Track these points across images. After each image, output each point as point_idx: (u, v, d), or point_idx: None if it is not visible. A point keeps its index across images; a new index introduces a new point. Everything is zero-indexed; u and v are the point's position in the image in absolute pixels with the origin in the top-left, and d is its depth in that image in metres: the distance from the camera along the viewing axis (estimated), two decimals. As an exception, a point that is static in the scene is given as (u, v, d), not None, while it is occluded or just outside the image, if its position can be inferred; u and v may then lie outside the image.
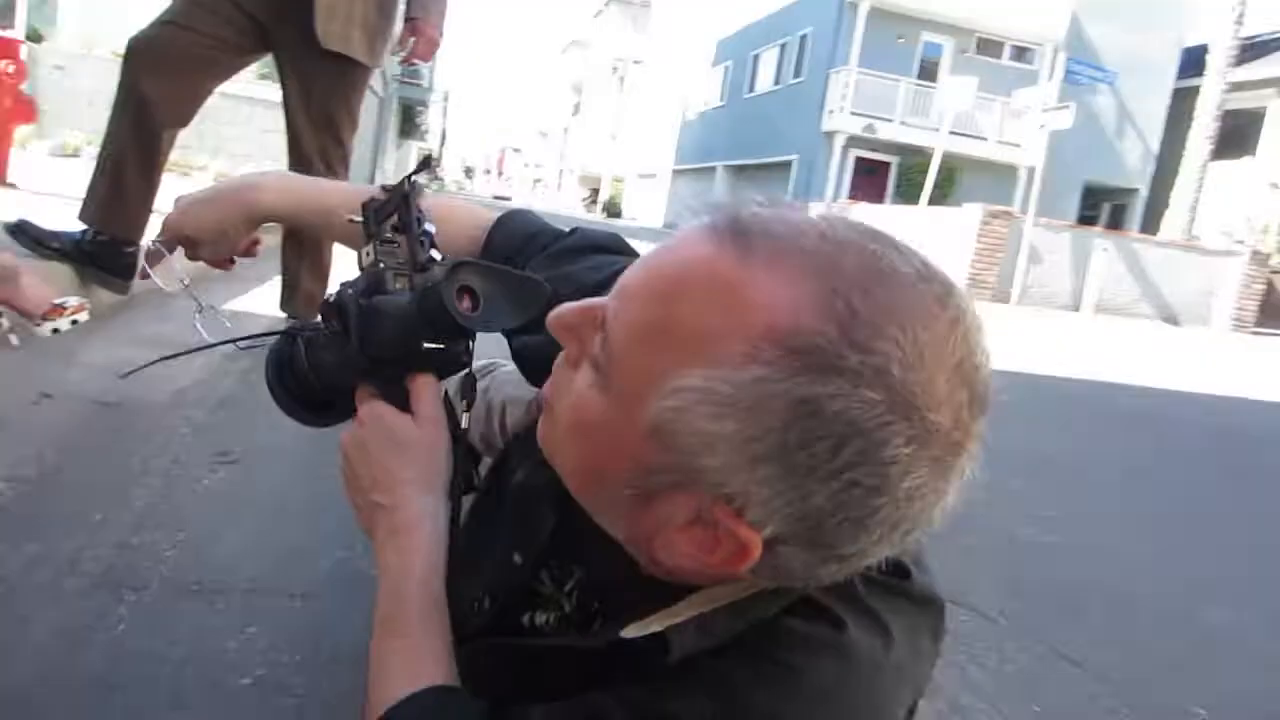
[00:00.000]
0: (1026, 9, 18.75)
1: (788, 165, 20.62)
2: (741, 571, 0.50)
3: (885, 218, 14.90)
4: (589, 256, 0.86)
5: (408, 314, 0.67)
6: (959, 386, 0.46)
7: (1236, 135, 19.26)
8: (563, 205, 42.99)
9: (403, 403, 0.70)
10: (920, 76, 19.19)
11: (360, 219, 0.76)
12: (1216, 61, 14.26)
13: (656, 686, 0.53)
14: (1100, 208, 21.55)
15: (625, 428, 0.51)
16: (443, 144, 38.89)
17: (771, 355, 0.45)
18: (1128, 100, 19.65)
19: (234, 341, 0.87)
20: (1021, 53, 19.64)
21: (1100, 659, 1.51)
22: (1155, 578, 2.02)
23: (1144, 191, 20.68)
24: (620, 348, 0.51)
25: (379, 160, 13.23)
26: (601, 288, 0.62)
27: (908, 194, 18.07)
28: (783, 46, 21.95)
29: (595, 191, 38.09)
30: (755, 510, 0.47)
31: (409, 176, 0.74)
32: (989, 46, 19.52)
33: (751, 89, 23.85)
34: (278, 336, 0.80)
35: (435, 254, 0.74)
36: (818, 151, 19.43)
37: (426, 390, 0.71)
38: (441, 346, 0.69)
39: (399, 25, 2.59)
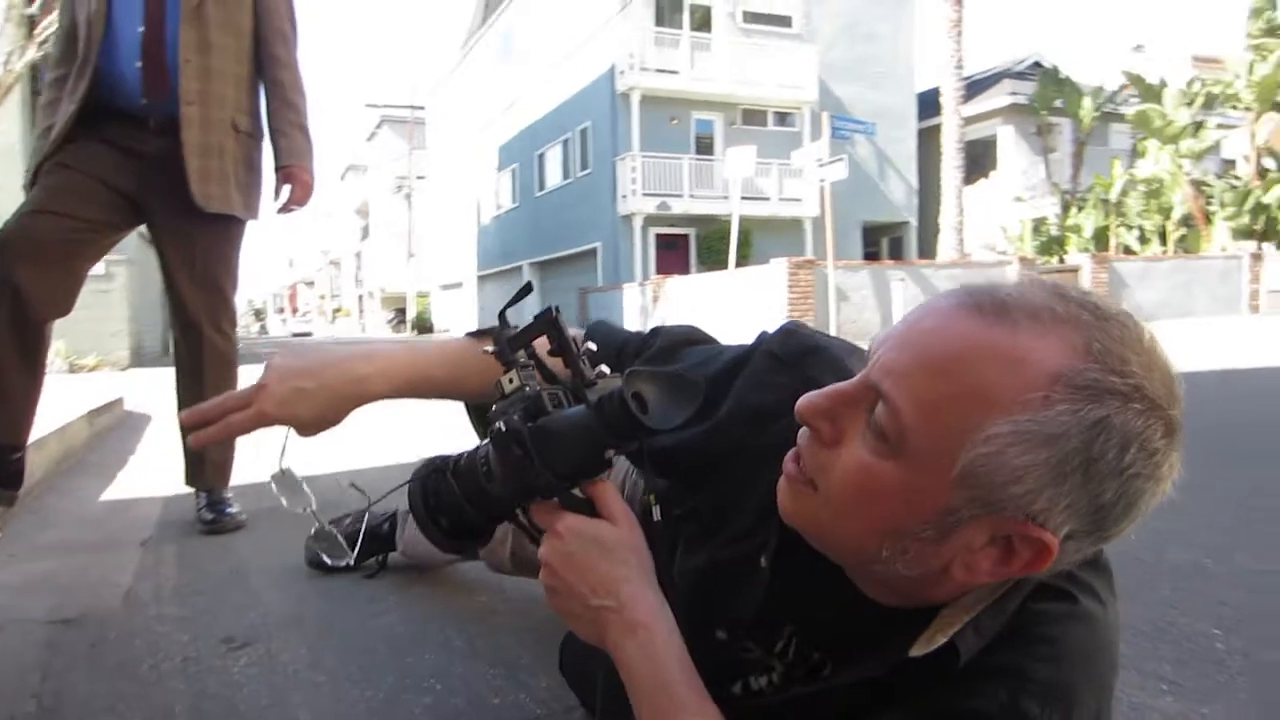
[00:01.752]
0: (780, 82, 20.47)
1: (593, 252, 21.19)
2: (1041, 569, 0.59)
3: (699, 285, 15.62)
4: (685, 351, 0.94)
5: (587, 426, 0.70)
6: (1171, 384, 0.58)
7: (978, 160, 21.78)
8: (370, 329, 41.93)
9: (587, 511, 0.73)
10: (698, 152, 20.40)
11: (493, 350, 0.79)
12: (948, 102, 16.01)
13: (948, 692, 0.62)
14: (879, 243, 23.51)
15: (928, 482, 0.59)
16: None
17: (1063, 394, 0.56)
18: (884, 146, 21.72)
19: (371, 503, 0.88)
20: (784, 118, 21.32)
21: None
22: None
23: (914, 222, 22.77)
24: (913, 419, 0.59)
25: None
26: (723, 376, 0.83)
27: (709, 260, 19.06)
28: (565, 142, 22.74)
29: (401, 311, 37.48)
30: (1056, 518, 0.57)
31: (553, 306, 0.78)
32: (754, 116, 21.07)
33: (542, 187, 24.45)
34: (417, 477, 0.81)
35: (603, 368, 0.77)
36: (619, 235, 20.12)
37: (612, 493, 0.74)
38: (618, 453, 0.72)
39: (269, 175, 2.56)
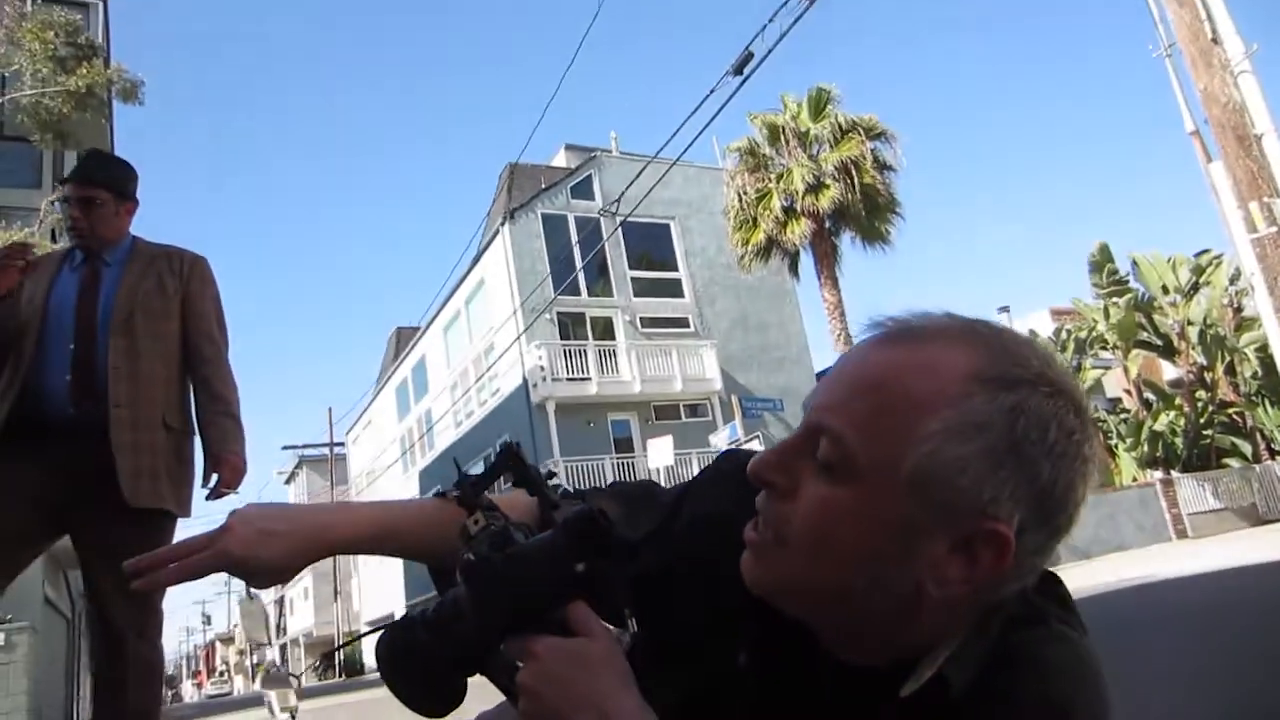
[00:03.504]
0: (686, 376, 21.48)
1: (524, 565, 20.60)
2: (1005, 570, 0.62)
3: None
4: (641, 497, 0.97)
5: (556, 544, 0.71)
6: (1069, 374, 0.67)
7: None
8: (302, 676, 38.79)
9: (562, 634, 0.71)
10: (618, 451, 20.75)
11: (455, 494, 0.79)
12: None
13: None
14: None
15: (883, 496, 0.63)
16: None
17: (978, 388, 0.63)
18: (795, 421, 22.32)
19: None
20: (695, 409, 22.09)
21: None
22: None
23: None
24: (856, 440, 0.64)
25: (77, 689, 11.38)
26: (673, 504, 0.88)
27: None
28: (485, 458, 22.89)
29: (328, 655, 35.15)
30: (1004, 506, 0.62)
31: (513, 443, 0.82)
32: (666, 411, 21.79)
33: (467, 505, 24.17)
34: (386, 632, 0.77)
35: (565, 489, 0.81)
36: (549, 543, 19.74)
37: (586, 610, 0.72)
38: (587, 569, 0.71)
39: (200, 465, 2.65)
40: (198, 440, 2.67)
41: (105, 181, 2.66)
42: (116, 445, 2.37)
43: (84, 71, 10.54)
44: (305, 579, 39.94)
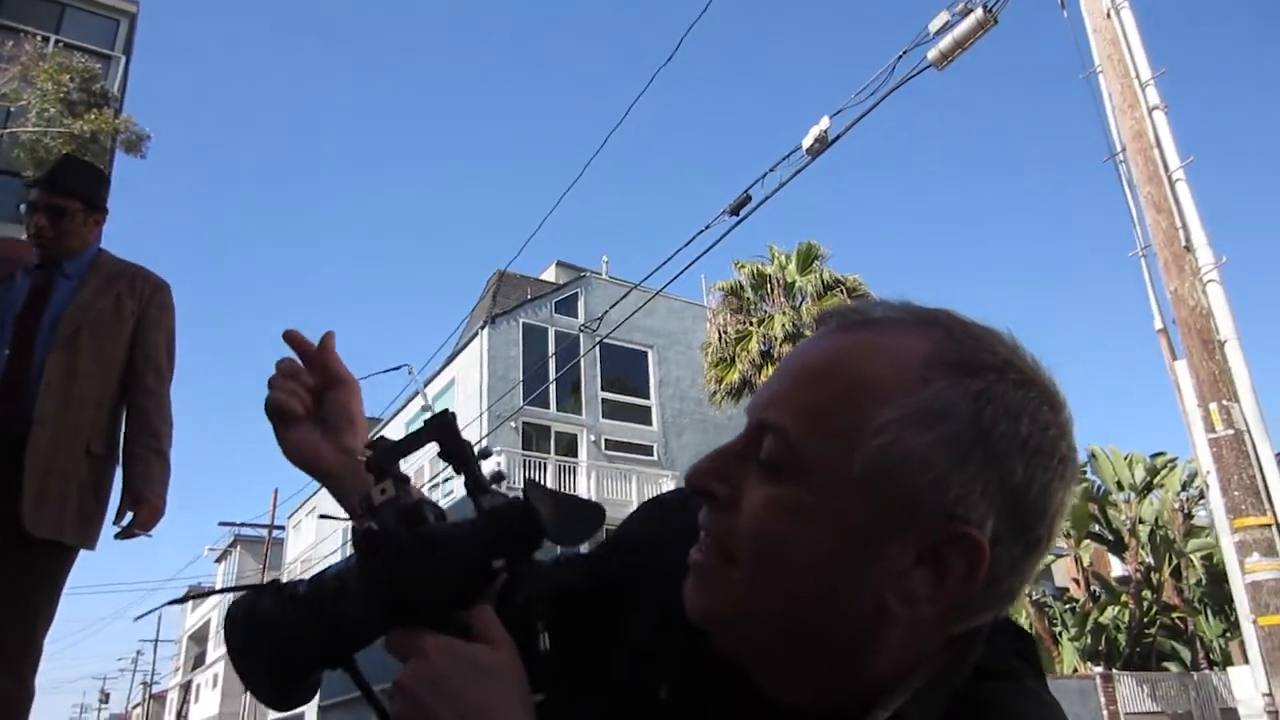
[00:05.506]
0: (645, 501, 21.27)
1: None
2: (978, 585, 0.56)
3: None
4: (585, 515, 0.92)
5: (477, 533, 0.62)
6: (1040, 367, 0.60)
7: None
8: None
9: (460, 635, 0.62)
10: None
11: (366, 455, 0.67)
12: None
13: None
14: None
15: (835, 494, 0.56)
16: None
17: (939, 373, 0.57)
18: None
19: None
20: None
21: None
22: None
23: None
24: (802, 431, 0.57)
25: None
26: (616, 530, 0.82)
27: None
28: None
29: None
30: (975, 507, 0.55)
31: (444, 410, 0.69)
32: (618, 536, 21.50)
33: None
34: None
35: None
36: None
37: (490, 615, 0.63)
38: (505, 568, 0.62)
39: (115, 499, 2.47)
40: (119, 470, 2.52)
41: (78, 191, 2.54)
42: (28, 468, 2.24)
43: (91, 117, 10.79)
44: (218, 665, 37.94)
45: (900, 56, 7.37)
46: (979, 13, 6.93)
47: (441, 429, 0.67)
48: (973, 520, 0.55)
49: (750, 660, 0.62)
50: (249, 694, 0.64)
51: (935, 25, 7.21)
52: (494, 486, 0.67)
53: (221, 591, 0.70)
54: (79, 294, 2.48)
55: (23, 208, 2.53)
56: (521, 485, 0.64)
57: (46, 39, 13.05)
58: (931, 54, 7.22)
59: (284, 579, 0.66)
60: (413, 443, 0.69)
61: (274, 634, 0.63)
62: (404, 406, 25.50)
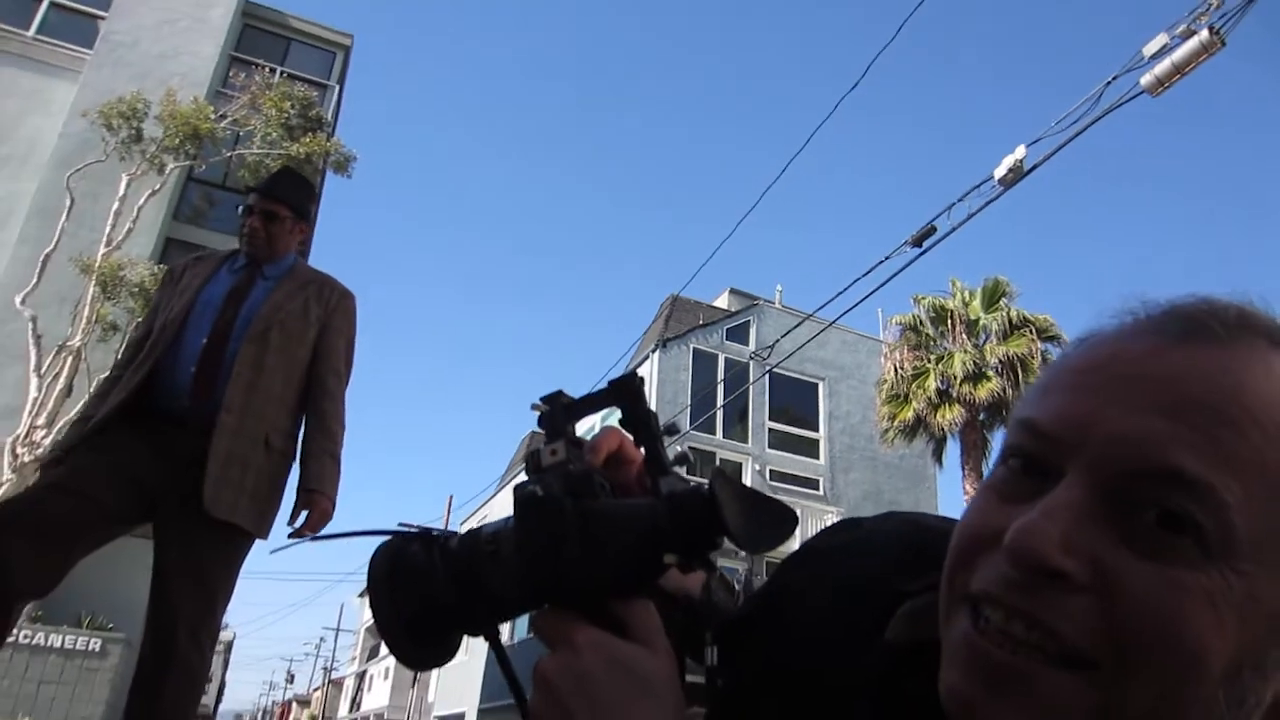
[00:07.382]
0: (806, 539, 20.81)
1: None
2: None
3: None
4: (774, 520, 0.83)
5: (653, 518, 0.54)
6: None
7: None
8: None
9: (616, 631, 0.54)
10: (722, 600, 20.15)
11: (541, 410, 0.61)
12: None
13: None
14: None
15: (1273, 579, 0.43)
16: (219, 699, 35.10)
17: None
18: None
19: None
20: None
21: None
22: None
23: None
24: (1238, 493, 0.43)
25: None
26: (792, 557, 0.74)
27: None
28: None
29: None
30: None
31: (632, 372, 0.62)
32: (779, 570, 21.14)
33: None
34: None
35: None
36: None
37: (651, 614, 0.55)
38: (679, 565, 0.54)
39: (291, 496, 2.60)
40: (295, 469, 2.64)
41: (290, 199, 2.76)
42: (213, 451, 2.37)
43: (307, 140, 11.79)
44: (390, 659, 40.06)
45: (1109, 83, 6.89)
46: (1204, 34, 6.37)
47: (626, 392, 0.61)
48: None
49: None
50: (394, 658, 0.56)
51: (1150, 49, 6.69)
52: (676, 469, 0.60)
53: (363, 534, 0.63)
54: (273, 295, 2.65)
55: (240, 209, 2.78)
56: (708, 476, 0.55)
57: (273, 70, 14.48)
58: (1145, 79, 6.70)
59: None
60: (593, 403, 0.62)
61: (417, 586, 0.57)
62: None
